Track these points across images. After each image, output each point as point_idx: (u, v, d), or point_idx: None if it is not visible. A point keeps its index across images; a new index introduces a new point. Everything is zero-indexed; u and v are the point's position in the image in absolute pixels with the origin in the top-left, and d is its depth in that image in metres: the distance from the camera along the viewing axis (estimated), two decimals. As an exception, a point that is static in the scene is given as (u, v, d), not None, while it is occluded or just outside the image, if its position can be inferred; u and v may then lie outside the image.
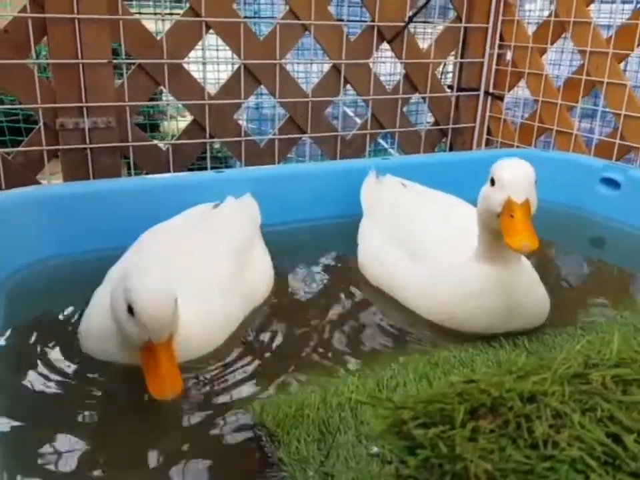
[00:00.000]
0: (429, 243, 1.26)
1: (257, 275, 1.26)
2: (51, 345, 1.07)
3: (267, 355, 1.06)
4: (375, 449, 0.74)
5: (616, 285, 1.53)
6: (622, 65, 2.01)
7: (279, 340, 1.12)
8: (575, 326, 1.16)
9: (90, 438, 0.85)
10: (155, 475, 0.80)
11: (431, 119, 2.46)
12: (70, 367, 1.00)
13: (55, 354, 1.04)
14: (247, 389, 0.95)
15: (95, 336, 0.99)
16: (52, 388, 0.95)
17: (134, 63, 1.81)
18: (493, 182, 1.05)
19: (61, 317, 1.17)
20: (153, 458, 0.82)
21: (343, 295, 1.32)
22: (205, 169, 2.03)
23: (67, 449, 0.82)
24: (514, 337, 1.10)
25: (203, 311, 1.02)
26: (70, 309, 1.19)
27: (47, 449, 0.82)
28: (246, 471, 0.78)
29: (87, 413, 0.91)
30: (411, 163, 1.95)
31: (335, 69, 2.12)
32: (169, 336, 0.87)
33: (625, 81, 1.95)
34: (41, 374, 0.98)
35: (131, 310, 0.86)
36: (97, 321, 0.99)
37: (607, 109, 2.03)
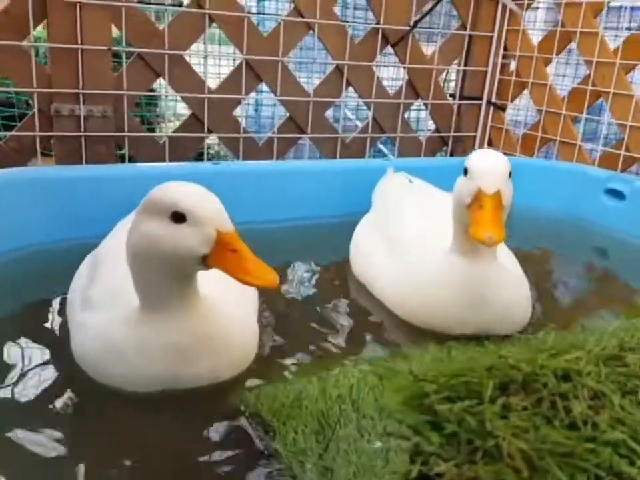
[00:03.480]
0: (407, 236, 1.21)
1: None
2: (34, 334, 1.01)
3: (262, 349, 1.01)
4: (378, 444, 0.68)
5: (619, 295, 1.48)
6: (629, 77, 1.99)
7: (273, 335, 1.06)
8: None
9: (69, 430, 0.80)
10: (144, 466, 0.74)
11: (432, 126, 2.43)
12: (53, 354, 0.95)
13: (38, 344, 0.99)
14: (240, 379, 0.89)
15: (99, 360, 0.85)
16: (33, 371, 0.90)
17: (133, 53, 1.77)
18: (465, 172, 1.01)
19: (45, 304, 1.12)
20: (140, 449, 0.76)
21: (335, 292, 1.27)
22: (202, 165, 1.98)
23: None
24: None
25: (241, 322, 0.93)
26: (55, 298, 1.13)
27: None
28: (239, 462, 0.72)
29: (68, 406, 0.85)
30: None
31: (338, 70, 2.09)
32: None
33: (631, 92, 1.93)
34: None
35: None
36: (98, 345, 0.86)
37: (613, 120, 2.01)
